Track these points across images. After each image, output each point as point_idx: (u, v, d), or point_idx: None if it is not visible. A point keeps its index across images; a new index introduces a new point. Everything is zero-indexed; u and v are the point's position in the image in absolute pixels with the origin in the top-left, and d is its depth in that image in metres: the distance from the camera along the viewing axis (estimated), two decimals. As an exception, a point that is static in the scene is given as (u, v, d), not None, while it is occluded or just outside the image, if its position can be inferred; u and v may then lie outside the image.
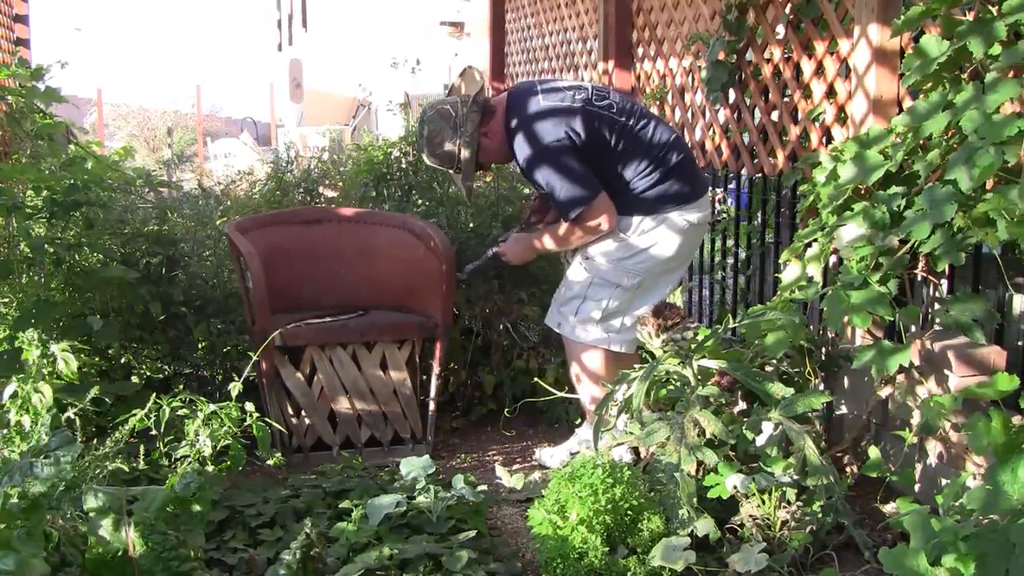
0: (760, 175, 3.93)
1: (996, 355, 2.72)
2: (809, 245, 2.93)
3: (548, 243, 3.29)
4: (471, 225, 4.00)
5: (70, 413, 2.88)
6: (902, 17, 2.74)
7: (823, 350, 3.08)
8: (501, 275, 3.79)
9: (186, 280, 3.82)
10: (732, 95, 3.96)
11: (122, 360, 3.62)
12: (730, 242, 4.40)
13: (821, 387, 3.08)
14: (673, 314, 2.84)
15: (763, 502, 2.56)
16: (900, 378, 2.76)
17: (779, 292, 3.03)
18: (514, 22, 6.38)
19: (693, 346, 2.84)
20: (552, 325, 3.37)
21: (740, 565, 2.36)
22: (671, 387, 2.91)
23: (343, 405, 3.47)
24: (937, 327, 2.85)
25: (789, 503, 2.57)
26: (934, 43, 2.59)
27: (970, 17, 2.58)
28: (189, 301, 3.77)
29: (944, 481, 2.58)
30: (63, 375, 2.89)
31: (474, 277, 3.64)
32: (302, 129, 16.87)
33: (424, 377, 3.62)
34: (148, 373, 3.68)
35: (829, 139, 3.36)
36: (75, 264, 3.54)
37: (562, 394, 3.34)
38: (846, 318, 2.62)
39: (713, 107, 4.06)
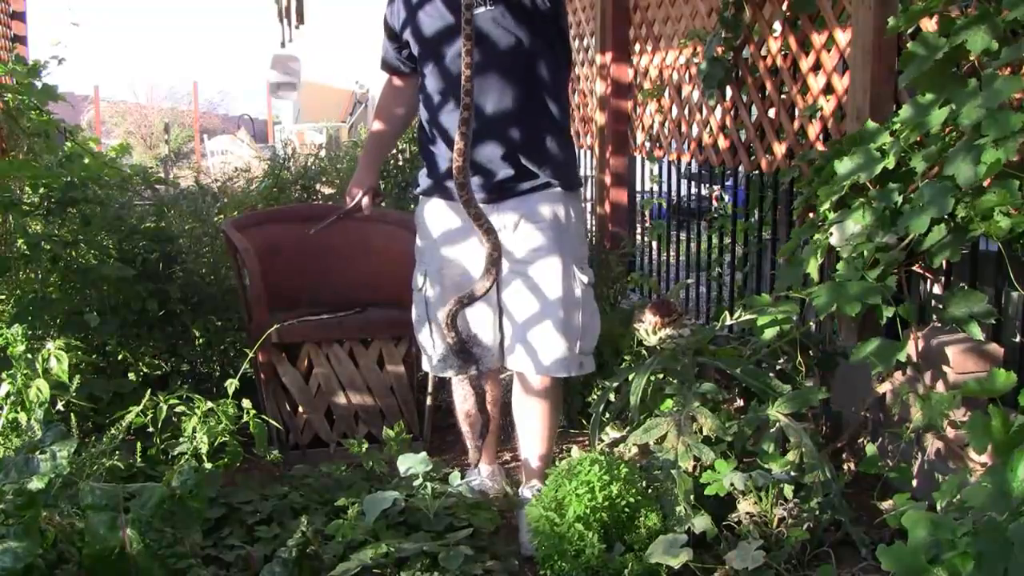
0: (757, 172, 3.93)
1: (994, 351, 2.72)
2: (806, 242, 2.93)
3: None
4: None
5: (60, 406, 2.88)
6: (900, 13, 2.74)
7: (820, 347, 3.09)
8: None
9: (183, 277, 3.81)
10: (729, 92, 3.95)
11: (119, 357, 3.62)
12: (727, 239, 4.39)
13: (819, 384, 3.08)
14: (671, 310, 2.84)
15: (760, 499, 2.56)
16: (897, 375, 2.76)
17: (775, 289, 3.03)
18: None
19: (691, 343, 2.84)
20: (575, 372, 2.83)
21: (737, 562, 2.36)
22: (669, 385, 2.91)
23: (340, 402, 3.47)
24: (935, 324, 2.86)
25: (786, 500, 2.57)
26: (932, 40, 2.59)
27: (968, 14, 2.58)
28: (186, 298, 3.76)
29: (942, 478, 2.58)
30: (54, 372, 2.88)
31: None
32: (299, 126, 16.86)
33: (421, 374, 3.62)
34: (145, 370, 3.68)
35: (827, 136, 3.36)
36: (72, 261, 3.53)
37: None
38: (834, 307, 2.61)
39: (710, 104, 4.06)
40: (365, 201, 2.99)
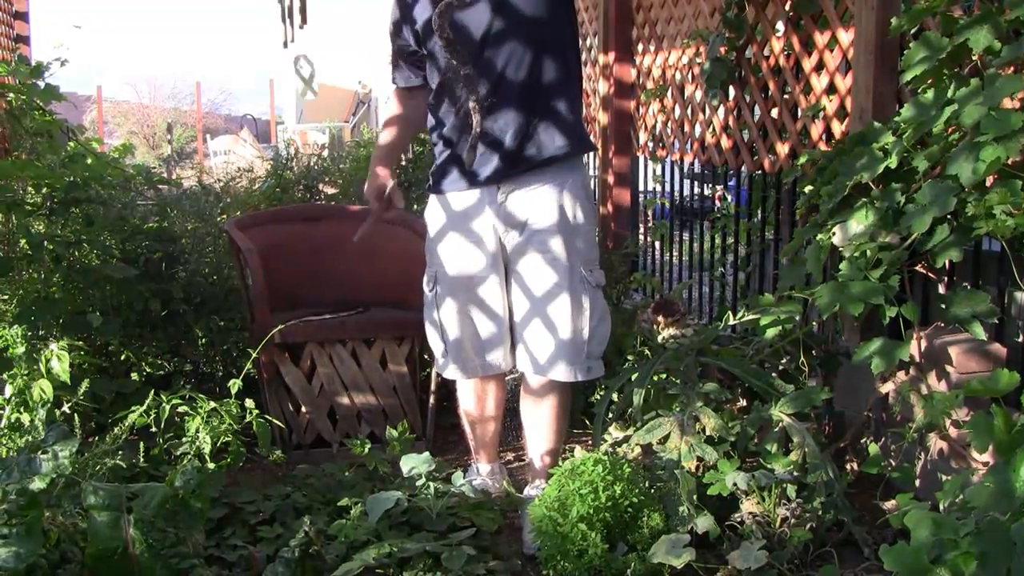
0: (760, 171, 3.93)
1: (996, 351, 2.72)
2: (809, 242, 2.93)
3: None
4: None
5: (66, 408, 2.88)
6: (903, 13, 2.74)
7: (823, 347, 3.08)
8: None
9: (186, 277, 3.81)
10: (732, 92, 3.95)
11: (122, 357, 3.62)
12: (730, 239, 4.39)
13: (821, 384, 3.07)
14: (674, 310, 2.84)
15: (763, 499, 2.56)
16: (900, 375, 2.76)
17: (778, 289, 3.02)
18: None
19: (694, 343, 2.84)
20: (582, 376, 2.80)
21: (740, 562, 2.36)
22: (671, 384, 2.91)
23: (343, 401, 3.47)
24: (938, 324, 2.85)
25: (789, 500, 2.57)
26: (934, 39, 2.59)
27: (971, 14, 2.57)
28: (189, 298, 3.76)
29: (944, 478, 2.58)
30: (55, 373, 2.88)
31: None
32: (302, 126, 16.86)
33: (424, 373, 3.62)
34: (148, 370, 3.68)
35: (830, 135, 3.35)
36: (75, 261, 3.54)
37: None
38: (837, 307, 2.61)
39: (713, 103, 4.06)
40: (395, 198, 2.91)
